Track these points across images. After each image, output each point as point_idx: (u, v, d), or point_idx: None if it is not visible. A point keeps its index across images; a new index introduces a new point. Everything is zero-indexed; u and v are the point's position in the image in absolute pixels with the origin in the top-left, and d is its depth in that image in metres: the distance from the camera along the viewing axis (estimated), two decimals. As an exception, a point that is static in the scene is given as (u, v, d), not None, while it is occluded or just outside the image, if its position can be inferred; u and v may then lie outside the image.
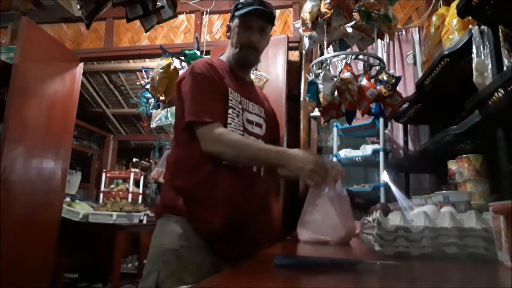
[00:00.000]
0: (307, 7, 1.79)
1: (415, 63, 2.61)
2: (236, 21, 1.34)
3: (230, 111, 1.27)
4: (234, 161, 1.23)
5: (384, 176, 2.17)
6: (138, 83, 4.85)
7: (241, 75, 1.42)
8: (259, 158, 1.20)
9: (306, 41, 1.92)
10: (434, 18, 1.88)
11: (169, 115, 4.20)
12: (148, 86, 2.41)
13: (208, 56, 2.38)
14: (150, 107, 2.66)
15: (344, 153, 2.44)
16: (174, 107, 3.55)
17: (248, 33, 1.33)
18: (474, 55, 1.29)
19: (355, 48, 2.05)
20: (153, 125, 3.94)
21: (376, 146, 2.32)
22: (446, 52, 1.51)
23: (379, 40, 1.95)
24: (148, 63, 4.37)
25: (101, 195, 4.05)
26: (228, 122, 1.26)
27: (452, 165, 1.54)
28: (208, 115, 1.19)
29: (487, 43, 1.26)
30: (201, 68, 1.26)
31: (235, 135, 1.23)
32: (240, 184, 1.26)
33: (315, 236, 1.12)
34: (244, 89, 1.38)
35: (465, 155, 1.45)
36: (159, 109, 2.98)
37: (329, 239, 1.09)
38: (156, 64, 2.24)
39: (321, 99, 1.74)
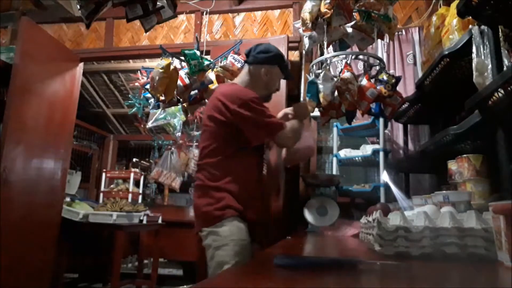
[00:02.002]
0: (307, 7, 1.79)
1: (415, 63, 2.61)
2: (279, 74, 1.78)
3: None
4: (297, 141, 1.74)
5: (384, 176, 2.17)
6: (131, 84, 4.86)
7: None
8: (300, 129, 1.74)
9: (306, 41, 1.92)
10: (434, 18, 1.88)
11: (167, 115, 4.21)
12: (147, 86, 2.41)
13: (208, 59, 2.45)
14: (150, 107, 2.65)
15: (344, 153, 2.44)
16: (173, 107, 3.56)
17: (278, 84, 1.81)
18: (474, 55, 1.29)
19: (355, 48, 2.05)
20: (150, 125, 3.94)
21: (376, 146, 2.32)
22: (446, 52, 1.51)
23: (379, 40, 1.95)
24: (148, 63, 4.36)
25: (101, 195, 4.04)
26: (264, 146, 1.78)
27: (452, 165, 1.54)
28: (277, 122, 1.62)
29: (487, 43, 1.26)
30: (251, 94, 1.62)
31: (288, 125, 1.66)
32: (263, 186, 1.74)
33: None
34: None
35: (465, 155, 1.45)
36: (160, 109, 2.99)
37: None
38: (156, 64, 2.24)
39: (321, 99, 1.74)
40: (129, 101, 3.81)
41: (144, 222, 3.41)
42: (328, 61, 1.85)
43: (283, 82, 2.71)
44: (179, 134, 4.29)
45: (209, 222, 1.56)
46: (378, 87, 1.73)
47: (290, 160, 2.05)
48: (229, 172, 1.60)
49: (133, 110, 3.80)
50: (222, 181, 1.59)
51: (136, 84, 2.78)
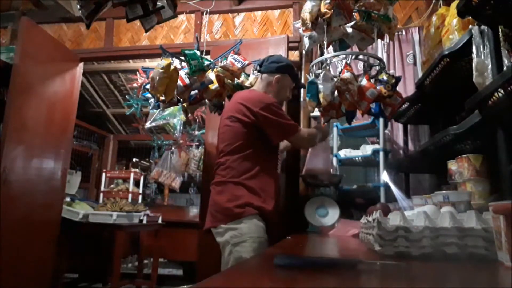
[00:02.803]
0: (307, 7, 1.79)
1: (415, 63, 2.61)
2: (290, 82, 1.92)
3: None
4: (315, 143, 1.99)
5: (384, 176, 2.17)
6: (129, 86, 4.87)
7: None
8: (316, 134, 1.95)
9: (306, 41, 1.92)
10: (434, 18, 1.88)
11: (166, 115, 4.21)
12: (147, 86, 2.41)
13: (204, 55, 2.49)
14: (150, 107, 2.65)
15: (344, 153, 2.44)
16: (173, 107, 3.55)
17: (289, 92, 1.94)
18: (474, 55, 1.29)
19: (355, 48, 2.05)
20: (148, 125, 3.94)
21: (376, 146, 2.32)
22: (446, 52, 1.51)
23: (379, 40, 1.94)
24: (148, 63, 4.37)
25: (101, 195, 4.04)
26: (279, 145, 1.93)
27: (452, 165, 1.54)
28: (294, 125, 1.79)
29: (487, 43, 1.26)
30: (268, 98, 1.78)
31: (304, 129, 2.03)
32: (279, 182, 1.87)
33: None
34: None
35: (465, 155, 1.45)
36: (159, 109, 2.98)
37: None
38: (156, 64, 2.23)
39: (321, 99, 1.74)
40: (127, 102, 3.81)
41: (144, 222, 3.41)
42: (328, 61, 1.85)
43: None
44: (179, 134, 4.30)
45: (228, 219, 1.64)
46: (378, 87, 1.73)
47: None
48: (249, 170, 1.70)
49: (131, 110, 3.80)
50: (242, 178, 1.68)
51: (134, 85, 2.78)
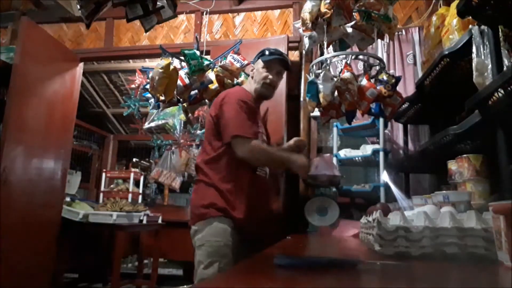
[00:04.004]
0: (307, 7, 1.79)
1: (415, 63, 2.61)
2: (260, 64, 1.77)
3: (258, 135, 1.67)
4: (261, 165, 1.70)
5: (384, 176, 2.17)
6: (127, 87, 4.86)
7: (258, 105, 1.82)
8: (277, 163, 1.72)
9: (306, 41, 1.92)
10: (434, 18, 1.88)
11: (164, 115, 4.20)
12: (147, 86, 2.41)
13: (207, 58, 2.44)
14: (150, 107, 2.65)
15: (344, 153, 2.44)
16: (171, 108, 3.54)
17: (268, 73, 1.75)
18: (474, 55, 1.29)
19: (355, 48, 2.05)
20: (146, 125, 3.94)
21: (376, 146, 2.32)
22: (446, 52, 1.51)
23: (379, 40, 1.94)
24: (148, 63, 4.36)
25: (101, 195, 4.04)
26: None
27: (452, 165, 1.54)
28: (248, 131, 1.59)
29: (487, 43, 1.26)
30: (244, 98, 1.66)
31: (263, 146, 1.65)
32: (261, 186, 1.72)
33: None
34: (259, 115, 1.81)
35: (465, 155, 1.45)
36: (159, 109, 2.98)
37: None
38: (156, 64, 2.23)
39: (321, 99, 1.74)
40: (125, 103, 3.82)
41: (144, 222, 3.41)
42: (328, 61, 1.85)
43: (283, 82, 2.72)
44: (179, 134, 4.29)
45: (196, 219, 1.61)
46: (378, 87, 1.73)
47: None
48: (221, 171, 1.63)
49: (128, 111, 3.80)
50: (215, 179, 1.62)
51: (133, 86, 2.78)
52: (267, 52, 1.79)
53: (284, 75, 2.72)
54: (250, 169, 1.67)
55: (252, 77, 1.82)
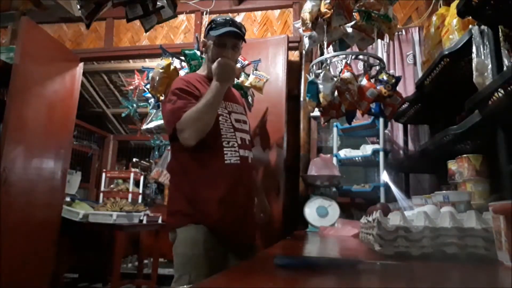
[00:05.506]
0: (307, 7, 1.79)
1: (415, 63, 2.61)
2: (211, 39, 1.49)
3: (220, 118, 1.44)
4: (203, 127, 1.35)
5: (384, 176, 2.17)
6: (125, 89, 4.85)
7: None
8: (208, 106, 1.35)
9: (306, 41, 1.92)
10: (434, 18, 1.88)
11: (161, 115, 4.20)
12: (148, 86, 2.41)
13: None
14: (150, 107, 2.65)
15: (344, 153, 2.44)
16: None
17: (222, 50, 1.46)
18: (474, 55, 1.29)
19: (355, 48, 2.05)
20: (144, 126, 3.94)
21: (376, 146, 2.32)
22: (446, 52, 1.51)
23: (379, 40, 1.94)
24: (148, 63, 4.36)
25: (101, 195, 4.05)
26: (220, 127, 1.44)
27: (452, 165, 1.54)
28: (179, 115, 1.34)
29: (487, 43, 1.26)
30: (176, 85, 1.44)
31: (188, 111, 1.35)
32: (235, 178, 1.43)
33: None
34: (226, 94, 1.48)
35: (465, 155, 1.45)
36: (157, 110, 2.98)
37: None
38: (156, 64, 2.24)
39: (321, 99, 1.74)
40: (122, 105, 3.82)
41: (144, 222, 3.41)
42: (328, 61, 1.85)
43: (283, 82, 2.73)
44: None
45: (168, 229, 1.50)
46: (378, 87, 1.73)
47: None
48: (181, 170, 1.45)
49: (126, 113, 3.80)
50: (177, 181, 1.48)
51: (131, 87, 2.78)
52: (213, 25, 1.50)
53: (284, 76, 2.71)
54: (215, 161, 1.41)
55: (207, 54, 1.55)
